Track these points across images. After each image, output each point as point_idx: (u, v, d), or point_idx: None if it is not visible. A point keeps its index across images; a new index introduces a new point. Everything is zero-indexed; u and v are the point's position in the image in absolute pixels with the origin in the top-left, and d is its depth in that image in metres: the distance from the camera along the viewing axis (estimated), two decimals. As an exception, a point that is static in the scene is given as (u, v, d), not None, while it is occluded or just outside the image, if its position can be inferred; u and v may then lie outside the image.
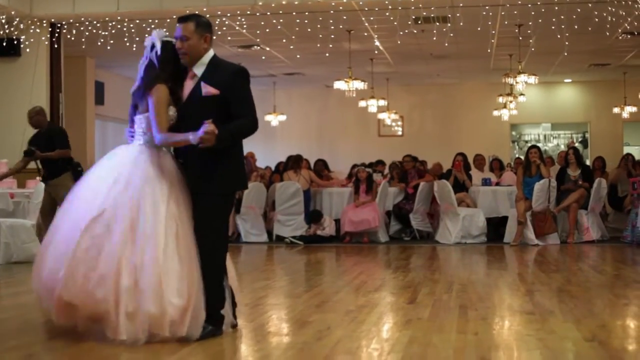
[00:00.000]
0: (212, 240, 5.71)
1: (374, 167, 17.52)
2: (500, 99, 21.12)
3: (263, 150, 23.29)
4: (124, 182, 5.66)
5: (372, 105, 21.12)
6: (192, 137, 5.55)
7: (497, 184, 15.73)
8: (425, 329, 6.06)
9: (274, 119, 23.59)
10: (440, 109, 24.99)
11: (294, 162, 15.99)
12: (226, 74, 5.81)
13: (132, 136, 6.02)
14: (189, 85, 5.85)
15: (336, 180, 17.10)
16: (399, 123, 25.17)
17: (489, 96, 22.90)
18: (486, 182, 15.34)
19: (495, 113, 22.05)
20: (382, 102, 21.60)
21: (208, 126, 5.49)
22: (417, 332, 5.92)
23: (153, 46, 5.94)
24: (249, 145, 21.95)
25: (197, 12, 6.09)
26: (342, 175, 17.98)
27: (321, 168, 17.05)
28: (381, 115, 22.99)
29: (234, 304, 6.03)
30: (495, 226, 14.93)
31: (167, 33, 6.01)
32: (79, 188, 5.95)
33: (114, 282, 5.40)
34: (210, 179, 5.73)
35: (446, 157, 17.70)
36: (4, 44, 14.33)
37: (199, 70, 5.83)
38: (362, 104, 21.07)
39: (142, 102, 5.89)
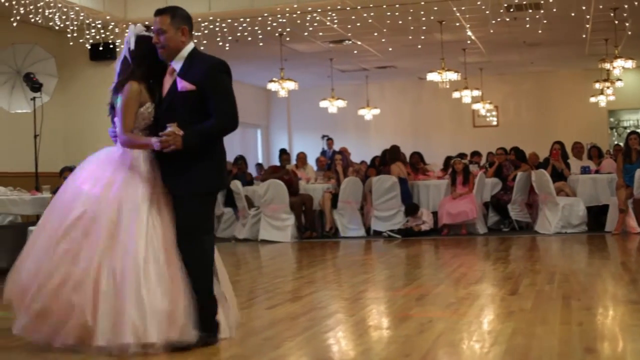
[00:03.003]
0: (195, 244, 5.42)
1: (470, 159, 17.39)
2: (597, 85, 20.76)
3: (357, 144, 23.39)
4: (104, 184, 5.43)
5: (466, 95, 20.96)
6: (154, 141, 5.32)
7: (597, 171, 15.42)
8: (528, 321, 5.99)
9: (367, 113, 23.59)
10: (535, 97, 24.64)
11: (393, 154, 15.87)
12: (203, 67, 5.46)
13: (115, 136, 5.68)
14: (168, 81, 5.55)
15: (432, 173, 16.98)
16: (494, 113, 24.91)
17: (585, 83, 22.55)
18: (585, 170, 15.05)
19: (592, 100, 21.71)
20: (476, 93, 21.41)
21: (170, 129, 5.27)
22: (520, 324, 5.85)
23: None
24: (343, 139, 22.19)
25: (175, 5, 5.72)
26: (438, 168, 17.87)
27: (417, 161, 16.96)
28: (475, 106, 22.80)
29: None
30: (596, 215, 14.64)
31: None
32: (60, 192, 5.69)
33: (93, 287, 5.15)
34: (186, 179, 5.44)
35: (543, 146, 17.48)
36: (100, 48, 14.63)
37: (177, 65, 5.52)
38: (455, 95, 20.92)
39: (117, 100, 5.60)
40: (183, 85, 5.41)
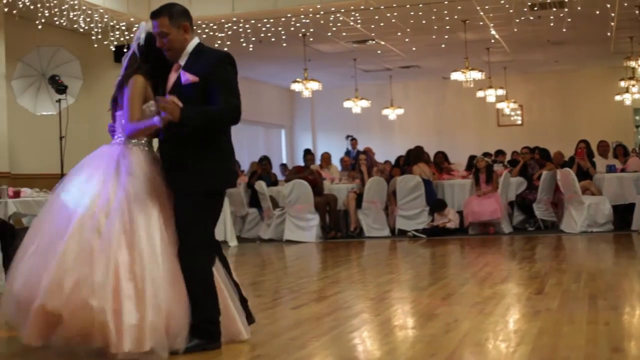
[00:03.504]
0: (193, 245, 5.27)
1: (494, 157, 17.34)
2: (622, 83, 20.65)
3: (381, 144, 23.37)
4: (111, 183, 5.28)
5: (490, 95, 20.88)
6: (156, 119, 5.24)
7: (623, 170, 15.32)
8: (554, 320, 5.96)
9: (391, 113, 23.56)
10: (560, 96, 24.52)
11: (416, 155, 15.85)
12: (208, 60, 5.36)
13: (114, 131, 5.63)
14: (172, 77, 5.47)
15: (457, 172, 16.93)
16: (518, 112, 24.81)
17: (610, 81, 22.43)
18: (611, 169, 14.96)
19: (617, 98, 21.62)
20: (501, 92, 21.32)
21: (168, 97, 5.18)
22: (547, 323, 5.83)
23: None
24: (367, 140, 22.16)
25: (171, 2, 5.52)
26: (462, 167, 17.81)
27: (441, 160, 16.92)
28: (500, 105, 22.71)
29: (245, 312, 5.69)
30: (622, 213, 14.54)
31: None
32: (58, 192, 5.53)
33: (113, 289, 4.95)
34: (190, 176, 5.32)
35: (568, 145, 17.41)
36: (125, 49, 14.64)
37: (183, 60, 5.44)
38: (480, 94, 20.86)
39: (121, 94, 5.52)
40: (187, 78, 5.32)
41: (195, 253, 5.29)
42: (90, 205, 5.20)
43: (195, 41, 5.49)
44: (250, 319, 5.76)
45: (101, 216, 5.15)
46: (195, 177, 5.30)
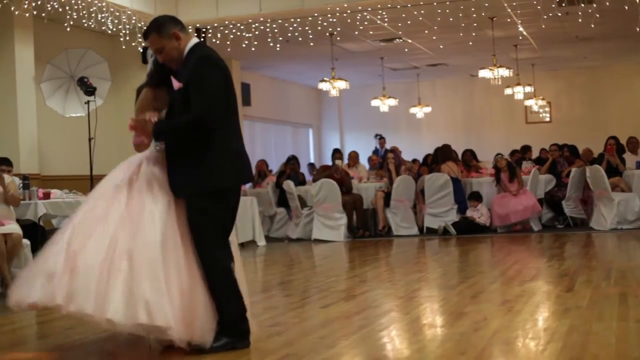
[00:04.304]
0: (204, 246, 5.26)
1: (522, 155, 17.27)
2: (652, 79, 20.52)
3: (409, 142, 23.32)
4: (126, 176, 5.38)
5: (519, 92, 20.75)
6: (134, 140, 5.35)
7: (653, 166, 15.23)
8: (584, 318, 5.94)
9: (419, 111, 23.51)
10: (588, 92, 24.35)
11: (445, 154, 15.81)
12: (190, 64, 5.33)
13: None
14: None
15: (485, 170, 16.87)
16: (547, 109, 24.67)
17: (639, 77, 22.26)
18: (641, 165, 14.88)
19: (647, 93, 21.47)
20: (529, 89, 21.21)
21: (142, 116, 5.27)
22: (577, 321, 5.81)
23: None
24: (394, 138, 22.12)
25: (155, 17, 5.56)
26: (490, 165, 17.75)
27: (469, 158, 16.87)
28: (528, 102, 22.60)
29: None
30: (652, 210, 14.47)
31: None
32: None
33: (105, 261, 5.04)
34: (173, 179, 5.33)
35: (596, 142, 17.30)
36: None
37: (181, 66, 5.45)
38: (508, 91, 20.73)
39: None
40: (175, 84, 5.34)
41: (209, 253, 5.26)
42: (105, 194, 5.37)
43: (191, 43, 5.46)
44: None
45: (111, 202, 5.28)
46: (187, 179, 5.27)
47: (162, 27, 5.42)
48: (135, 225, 5.17)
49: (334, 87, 17.53)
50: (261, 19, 14.66)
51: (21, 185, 10.21)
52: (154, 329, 5.03)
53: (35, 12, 12.41)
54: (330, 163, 16.91)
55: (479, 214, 14.81)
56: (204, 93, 5.21)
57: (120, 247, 5.09)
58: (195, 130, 5.21)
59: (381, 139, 21.61)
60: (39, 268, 5.19)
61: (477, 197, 14.99)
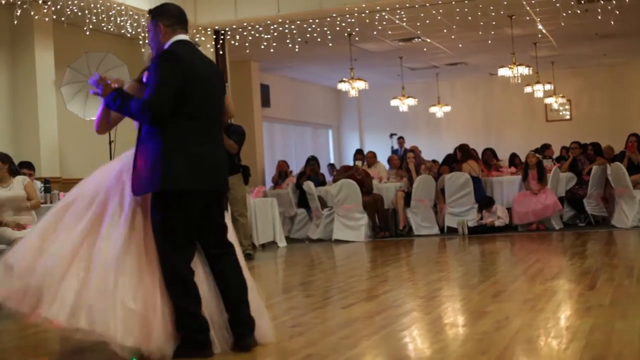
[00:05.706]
0: (160, 250, 5.13)
1: (542, 154, 17.22)
2: (673, 75, 20.41)
3: (428, 142, 23.30)
4: (104, 175, 5.48)
5: (538, 90, 20.68)
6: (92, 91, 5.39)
7: (674, 163, 15.16)
8: (607, 316, 5.91)
9: (438, 111, 23.45)
10: (609, 89, 24.23)
11: (465, 153, 15.78)
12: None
13: None
14: None
15: (505, 169, 16.82)
16: (567, 107, 24.56)
17: (660, 73, 22.18)
18: (662, 162, 14.82)
19: (668, 90, 21.35)
20: (548, 87, 21.13)
21: (114, 78, 5.33)
22: (599, 319, 5.78)
23: None
24: (414, 138, 22.09)
25: (164, 2, 5.63)
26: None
27: (489, 157, 16.84)
28: (548, 100, 22.51)
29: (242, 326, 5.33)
30: (675, 207, 14.39)
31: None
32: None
33: (66, 263, 5.00)
34: (137, 176, 5.17)
35: (618, 139, 17.24)
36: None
37: None
38: (527, 89, 20.66)
39: None
40: (145, 77, 5.41)
41: (163, 257, 5.12)
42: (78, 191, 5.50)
43: (172, 39, 5.35)
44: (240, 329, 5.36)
45: (86, 202, 5.31)
46: (140, 177, 5.14)
47: (154, 14, 5.45)
48: (101, 229, 5.12)
49: (353, 88, 17.52)
50: (279, 20, 14.68)
51: (42, 188, 10.25)
52: (95, 335, 4.93)
53: (54, 17, 12.48)
54: (350, 163, 16.93)
55: (495, 216, 14.75)
56: (154, 82, 5.08)
57: (81, 254, 5.06)
58: (140, 114, 5.09)
59: (400, 138, 21.58)
60: (3, 258, 5.22)
61: (488, 202, 14.92)
